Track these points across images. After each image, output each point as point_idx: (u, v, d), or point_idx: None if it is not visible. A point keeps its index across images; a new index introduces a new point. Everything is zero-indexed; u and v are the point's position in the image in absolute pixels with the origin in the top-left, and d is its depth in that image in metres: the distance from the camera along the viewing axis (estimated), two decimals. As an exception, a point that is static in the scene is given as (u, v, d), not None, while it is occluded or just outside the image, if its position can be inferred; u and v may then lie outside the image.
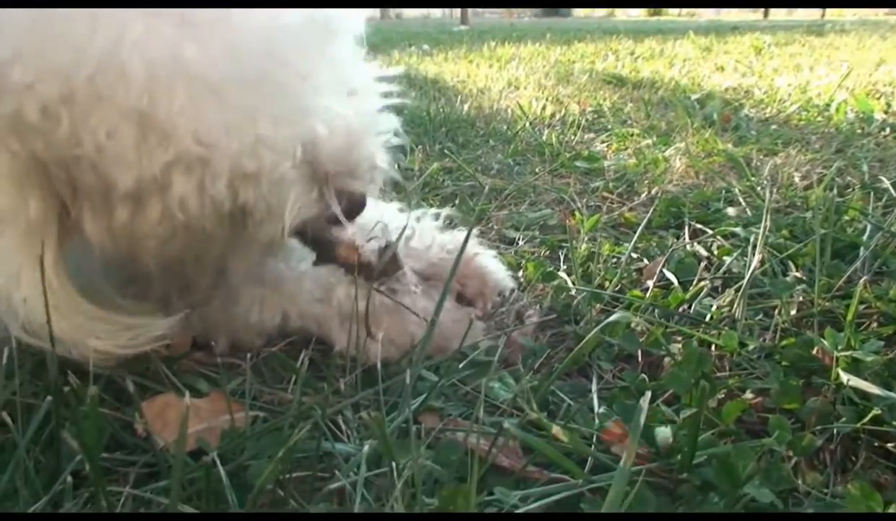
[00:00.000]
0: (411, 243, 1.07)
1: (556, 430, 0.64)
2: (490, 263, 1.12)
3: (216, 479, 0.60)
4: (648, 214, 1.54)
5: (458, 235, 1.13)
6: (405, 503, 0.61)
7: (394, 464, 0.62)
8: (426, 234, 1.11)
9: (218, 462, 0.60)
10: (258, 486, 0.60)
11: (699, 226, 1.52)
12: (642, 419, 0.60)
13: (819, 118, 2.88)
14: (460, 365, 0.92)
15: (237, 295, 0.98)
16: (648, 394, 0.63)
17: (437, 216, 1.18)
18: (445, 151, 2.29)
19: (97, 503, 0.63)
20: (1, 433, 0.73)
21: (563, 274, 1.25)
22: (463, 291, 1.08)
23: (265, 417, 0.82)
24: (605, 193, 1.83)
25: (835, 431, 0.80)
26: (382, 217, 1.05)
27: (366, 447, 0.66)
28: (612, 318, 0.93)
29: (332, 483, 0.68)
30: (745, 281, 1.09)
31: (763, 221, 1.26)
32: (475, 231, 1.46)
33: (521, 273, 1.28)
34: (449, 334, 0.96)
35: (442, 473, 0.70)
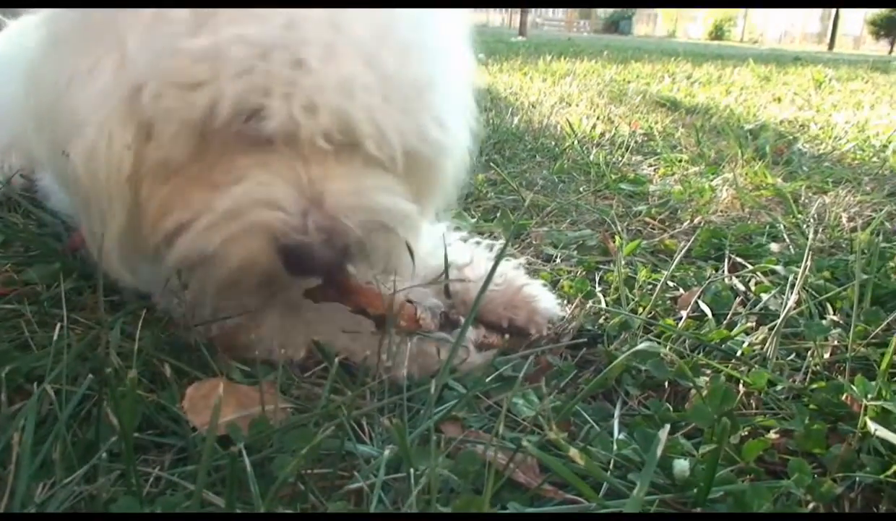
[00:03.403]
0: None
1: (573, 452, 0.65)
2: (539, 291, 1.15)
3: (241, 468, 0.63)
4: (689, 243, 1.54)
5: (508, 267, 1.17)
6: (420, 508, 0.62)
7: (412, 470, 0.64)
8: (478, 265, 1.14)
9: (244, 453, 0.62)
10: (280, 479, 0.62)
11: (739, 260, 1.51)
12: (660, 450, 0.61)
13: (874, 159, 2.83)
14: (487, 379, 0.94)
15: (260, 321, 0.98)
16: (668, 426, 0.64)
17: (490, 247, 1.22)
18: (491, 163, 2.30)
19: (128, 480, 0.66)
20: (44, 407, 0.77)
21: (598, 296, 1.26)
22: (513, 320, 1.10)
23: (294, 410, 0.84)
24: (648, 218, 1.83)
25: (857, 479, 0.80)
26: (444, 253, 1.08)
27: (386, 452, 0.67)
28: (639, 346, 0.94)
29: (351, 483, 0.70)
30: (779, 320, 1.09)
31: (804, 260, 1.25)
32: (516, 250, 1.48)
33: (555, 291, 1.29)
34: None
35: (459, 483, 0.71)
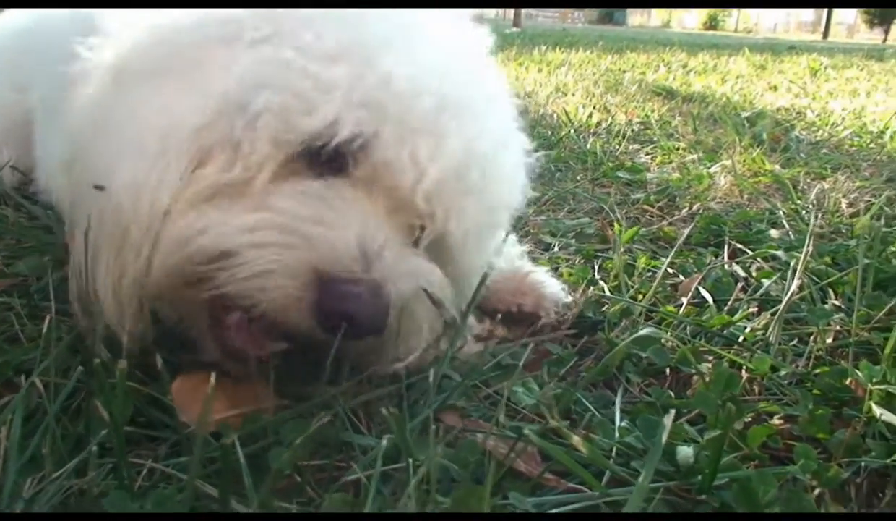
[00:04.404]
0: None
1: (576, 440, 0.64)
2: (545, 278, 1.15)
3: (235, 460, 0.61)
4: (688, 230, 1.53)
5: (514, 255, 1.17)
6: (418, 499, 0.61)
7: (410, 460, 0.63)
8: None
9: (237, 444, 0.61)
10: (274, 469, 0.61)
11: (739, 246, 1.50)
12: (664, 437, 0.60)
13: (872, 145, 2.82)
14: (486, 367, 0.92)
15: None
16: (672, 412, 0.63)
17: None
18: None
19: (119, 474, 0.65)
20: (34, 400, 0.75)
21: (598, 283, 1.25)
22: (522, 306, 1.10)
23: (291, 403, 0.83)
24: (646, 206, 1.82)
25: (863, 465, 0.79)
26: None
27: (384, 441, 0.66)
28: (639, 333, 0.93)
29: (349, 474, 0.69)
30: (782, 305, 1.07)
31: (805, 245, 1.24)
32: (516, 240, 1.47)
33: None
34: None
35: (459, 473, 0.70)
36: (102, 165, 0.77)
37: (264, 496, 0.60)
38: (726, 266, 1.37)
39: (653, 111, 3.45)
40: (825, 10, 34.03)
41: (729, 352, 1.01)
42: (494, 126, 0.86)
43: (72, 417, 0.77)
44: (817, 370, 0.96)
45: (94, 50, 0.85)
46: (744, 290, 1.25)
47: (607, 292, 1.21)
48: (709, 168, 2.19)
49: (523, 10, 22.84)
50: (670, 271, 1.33)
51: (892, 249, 1.44)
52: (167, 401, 0.78)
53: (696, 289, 1.23)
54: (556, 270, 1.31)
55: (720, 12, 50.49)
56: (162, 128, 0.75)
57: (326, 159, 0.76)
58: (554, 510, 0.65)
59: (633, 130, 2.87)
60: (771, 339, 1.04)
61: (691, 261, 1.40)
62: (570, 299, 1.15)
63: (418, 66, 0.78)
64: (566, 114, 3.07)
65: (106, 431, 0.66)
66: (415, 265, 0.79)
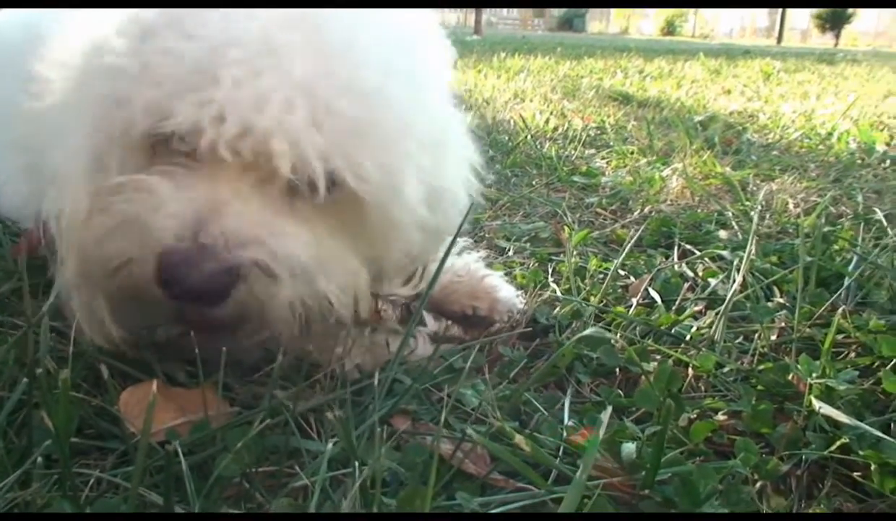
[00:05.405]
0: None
1: (518, 439, 0.65)
2: (499, 283, 1.16)
3: (179, 467, 0.61)
4: (639, 232, 1.55)
5: (470, 260, 1.18)
6: (362, 501, 0.61)
7: (357, 464, 0.63)
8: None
9: (180, 451, 0.61)
10: (215, 475, 0.61)
11: (689, 247, 1.53)
12: (602, 431, 0.61)
13: (821, 147, 2.89)
14: (437, 371, 0.93)
15: None
16: (610, 408, 0.64)
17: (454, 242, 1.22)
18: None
19: (64, 484, 0.64)
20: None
21: (551, 285, 1.27)
22: (477, 309, 1.12)
23: (239, 410, 0.83)
24: (599, 209, 1.85)
25: (803, 457, 0.81)
26: None
27: (330, 445, 0.66)
28: (585, 332, 0.94)
29: (297, 480, 0.69)
30: (725, 303, 1.10)
31: (748, 245, 1.27)
32: (472, 244, 1.48)
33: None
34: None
35: (407, 475, 0.71)
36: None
37: (207, 502, 0.60)
38: (675, 267, 1.40)
39: (609, 116, 3.49)
40: (779, 16, 34.73)
41: (676, 351, 1.03)
42: (343, 67, 0.80)
43: (17, 430, 0.76)
44: (761, 367, 0.99)
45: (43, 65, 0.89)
46: (691, 289, 1.28)
47: (559, 295, 1.23)
48: (661, 171, 2.23)
49: (483, 18, 22.94)
50: (621, 272, 1.36)
51: (835, 247, 1.48)
52: (115, 412, 0.78)
53: (646, 290, 1.25)
54: (509, 274, 1.33)
55: (678, 17, 51.28)
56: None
57: (167, 146, 0.79)
58: (498, 510, 0.66)
59: (588, 135, 2.91)
60: (716, 337, 1.06)
61: (642, 262, 1.42)
62: (523, 303, 1.17)
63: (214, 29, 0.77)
64: (523, 120, 3.09)
65: (50, 441, 0.66)
66: (264, 232, 0.77)
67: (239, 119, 0.73)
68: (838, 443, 0.81)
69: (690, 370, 0.99)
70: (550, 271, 1.39)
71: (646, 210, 1.82)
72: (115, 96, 0.78)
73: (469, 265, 1.17)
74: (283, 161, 0.75)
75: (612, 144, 2.72)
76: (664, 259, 1.46)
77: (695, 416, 0.88)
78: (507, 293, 1.15)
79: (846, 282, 1.24)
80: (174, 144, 0.78)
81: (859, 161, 2.59)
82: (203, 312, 0.76)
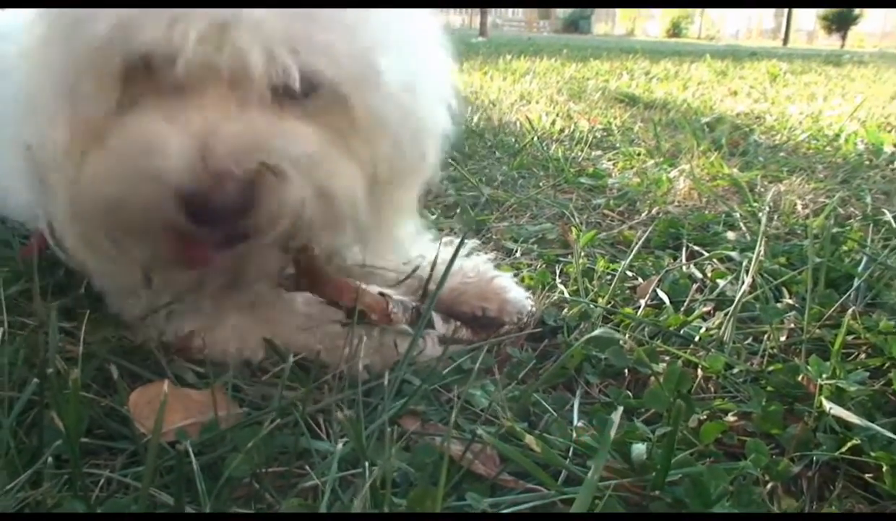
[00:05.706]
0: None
1: (528, 439, 0.65)
2: (508, 284, 1.16)
3: (189, 467, 0.61)
4: (647, 233, 1.55)
5: (479, 261, 1.18)
6: (372, 502, 0.61)
7: (367, 464, 0.63)
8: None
9: (191, 451, 0.61)
10: (226, 476, 0.61)
11: (697, 248, 1.52)
12: (612, 432, 0.61)
13: (828, 148, 2.88)
14: (446, 371, 0.93)
15: (216, 323, 0.97)
16: (621, 409, 0.64)
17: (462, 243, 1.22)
18: (450, 160, 2.30)
19: (74, 484, 0.64)
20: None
21: (559, 286, 1.26)
22: (486, 310, 1.12)
23: (249, 411, 0.83)
24: (607, 211, 1.84)
25: (814, 458, 0.81)
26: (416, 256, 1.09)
27: (340, 446, 0.66)
28: (594, 333, 0.94)
29: (307, 480, 0.69)
30: (734, 304, 1.10)
31: (757, 246, 1.26)
32: (478, 244, 1.48)
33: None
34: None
35: (417, 476, 0.71)
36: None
37: (218, 503, 0.60)
38: (684, 268, 1.40)
39: (615, 118, 3.49)
40: (785, 17, 34.68)
41: (685, 352, 1.03)
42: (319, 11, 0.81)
43: (28, 430, 0.77)
44: (770, 368, 0.99)
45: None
46: (700, 290, 1.28)
47: (567, 296, 1.23)
48: (668, 173, 2.22)
49: (489, 20, 22.94)
50: (629, 273, 1.35)
51: (844, 248, 1.48)
52: (125, 412, 0.78)
53: (654, 291, 1.25)
54: (517, 275, 1.33)
55: (683, 18, 51.18)
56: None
57: (143, 75, 0.79)
58: (509, 510, 0.66)
59: (595, 137, 2.90)
60: (725, 338, 1.06)
61: (650, 264, 1.42)
62: (532, 304, 1.17)
63: None
64: (529, 121, 3.09)
65: (60, 441, 0.66)
66: (264, 137, 0.79)
67: (209, 28, 0.74)
68: (849, 444, 0.81)
69: (700, 371, 0.98)
70: (558, 272, 1.38)
71: (653, 211, 1.82)
72: (78, 17, 0.79)
73: (478, 267, 1.17)
74: (255, 57, 0.76)
75: (618, 145, 2.72)
76: (672, 260, 1.46)
77: (705, 417, 0.87)
78: (516, 295, 1.15)
79: (856, 283, 1.24)
80: (152, 72, 0.79)
81: (867, 162, 2.58)
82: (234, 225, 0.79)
